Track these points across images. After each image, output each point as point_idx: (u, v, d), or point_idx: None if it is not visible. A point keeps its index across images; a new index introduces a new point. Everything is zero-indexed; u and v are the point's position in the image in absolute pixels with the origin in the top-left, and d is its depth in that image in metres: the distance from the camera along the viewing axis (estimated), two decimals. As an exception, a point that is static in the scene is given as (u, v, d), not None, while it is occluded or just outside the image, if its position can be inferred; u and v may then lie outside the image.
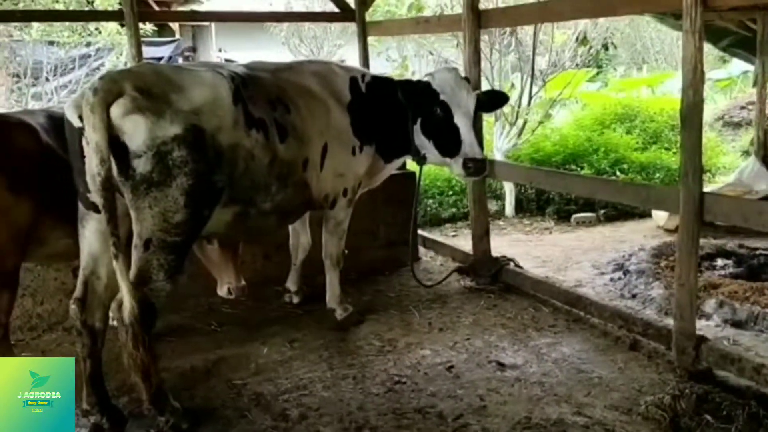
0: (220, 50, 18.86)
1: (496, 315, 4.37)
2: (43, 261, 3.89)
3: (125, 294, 2.79)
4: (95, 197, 2.86)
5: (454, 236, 6.61)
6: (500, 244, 5.66)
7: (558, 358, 3.75)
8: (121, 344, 2.92)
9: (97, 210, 2.88)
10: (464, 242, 5.62)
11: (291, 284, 4.61)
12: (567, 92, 8.17)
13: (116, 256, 2.75)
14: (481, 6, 4.96)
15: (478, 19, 4.72)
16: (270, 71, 3.70)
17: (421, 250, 5.63)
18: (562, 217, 7.15)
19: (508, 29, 7.39)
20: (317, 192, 3.81)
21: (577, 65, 8.12)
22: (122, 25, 8.37)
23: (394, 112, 4.07)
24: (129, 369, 2.91)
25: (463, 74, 4.30)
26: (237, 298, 3.75)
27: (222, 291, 3.70)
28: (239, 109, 3.16)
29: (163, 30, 17.94)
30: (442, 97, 3.97)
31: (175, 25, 18.97)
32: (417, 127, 4.07)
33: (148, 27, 13.24)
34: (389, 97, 4.06)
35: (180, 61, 20.38)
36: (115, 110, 2.76)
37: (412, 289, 4.84)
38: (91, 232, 3.02)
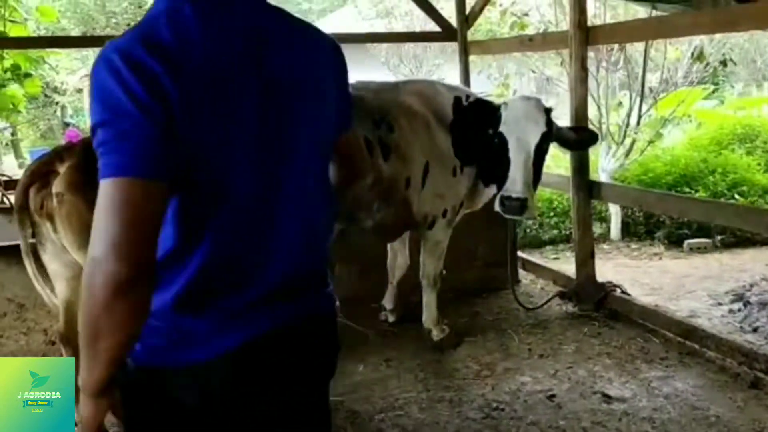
0: (322, 70, 19.45)
1: (601, 343, 4.15)
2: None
3: None
4: None
5: (555, 259, 6.39)
6: (605, 269, 5.42)
7: (670, 393, 3.50)
8: None
9: None
10: (566, 266, 5.41)
11: (387, 302, 4.60)
12: (680, 111, 7.74)
13: None
14: (588, 22, 4.79)
15: (585, 37, 4.55)
16: (374, 91, 3.77)
17: (521, 272, 5.47)
18: (674, 243, 6.74)
19: (615, 45, 7.13)
20: (418, 211, 3.81)
21: (691, 83, 7.69)
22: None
23: (493, 135, 3.93)
24: None
25: (545, 102, 3.99)
26: None
27: None
28: None
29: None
30: (502, 127, 3.78)
31: (281, 48, 19.68)
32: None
33: (256, 49, 13.82)
34: (489, 119, 3.96)
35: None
36: None
37: (512, 312, 4.70)
38: None
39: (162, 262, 1.26)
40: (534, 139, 3.76)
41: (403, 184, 3.62)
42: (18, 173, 7.41)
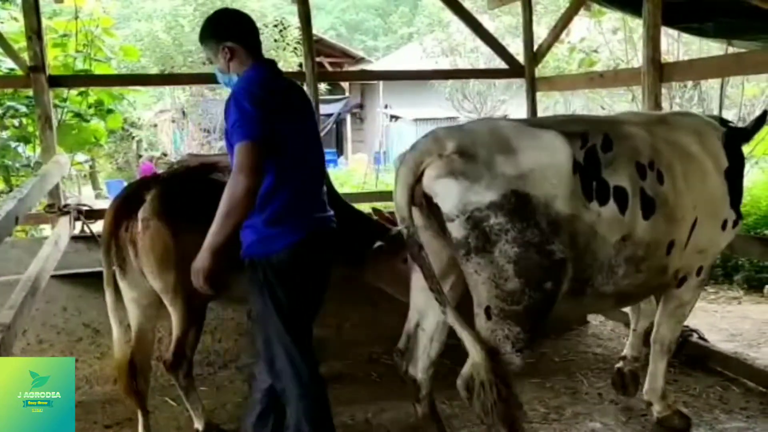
0: (386, 106, 19.70)
1: (677, 391, 3.95)
2: (225, 303, 4.16)
3: (470, 347, 2.65)
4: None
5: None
6: (679, 313, 5.18)
7: (752, 446, 3.30)
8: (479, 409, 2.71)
9: None
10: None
11: (629, 350, 3.85)
12: (759, 150, 7.44)
13: (444, 312, 2.67)
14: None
15: (659, 73, 4.45)
16: (644, 125, 3.09)
17: (590, 313, 5.30)
18: (753, 287, 6.40)
19: (689, 82, 6.96)
20: (671, 273, 3.17)
21: (770, 120, 7.40)
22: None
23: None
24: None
25: None
26: None
27: None
28: (577, 178, 2.71)
29: (334, 88, 19.15)
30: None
31: (345, 84, 20.15)
32: None
33: (321, 86, 14.20)
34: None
35: (348, 117, 21.42)
36: (430, 171, 2.65)
37: (580, 354, 4.57)
38: (415, 288, 3.01)
39: (262, 197, 2.64)
40: None
41: (665, 249, 2.95)
42: (96, 203, 7.75)
